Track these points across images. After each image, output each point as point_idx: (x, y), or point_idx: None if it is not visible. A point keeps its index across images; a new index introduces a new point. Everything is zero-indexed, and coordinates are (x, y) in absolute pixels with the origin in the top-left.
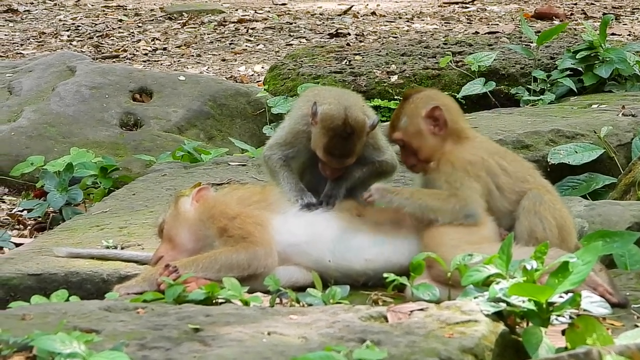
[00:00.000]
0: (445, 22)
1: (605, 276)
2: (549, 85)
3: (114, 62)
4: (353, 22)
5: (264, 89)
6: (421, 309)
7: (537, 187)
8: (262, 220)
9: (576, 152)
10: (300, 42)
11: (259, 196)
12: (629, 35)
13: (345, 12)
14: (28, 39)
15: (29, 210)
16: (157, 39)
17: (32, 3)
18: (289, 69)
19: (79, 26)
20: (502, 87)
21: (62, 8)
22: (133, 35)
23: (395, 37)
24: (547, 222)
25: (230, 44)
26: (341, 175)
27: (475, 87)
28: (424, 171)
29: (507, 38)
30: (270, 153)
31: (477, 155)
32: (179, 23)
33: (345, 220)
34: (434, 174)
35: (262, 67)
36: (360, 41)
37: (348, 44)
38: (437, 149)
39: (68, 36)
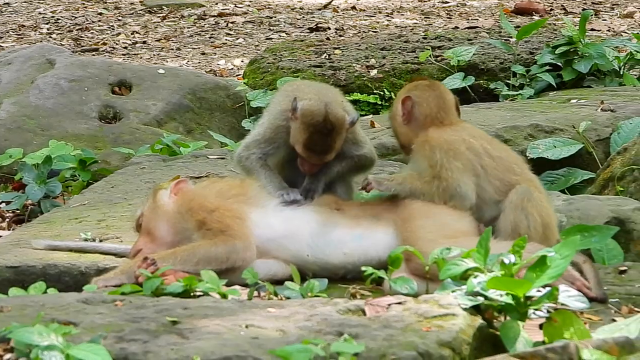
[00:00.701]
0: (425, 17)
1: (589, 268)
2: (528, 80)
3: (93, 55)
4: (333, 17)
5: (244, 83)
6: (399, 303)
7: (525, 180)
8: (241, 213)
9: (555, 147)
10: (280, 36)
11: (237, 189)
12: (608, 30)
13: (325, 7)
14: (7, 32)
15: (7, 203)
16: (136, 33)
17: None
18: (268, 63)
19: (58, 19)
20: (481, 81)
21: (42, 1)
22: (113, 29)
23: (375, 32)
24: (532, 219)
25: (210, 37)
26: (320, 170)
27: (455, 81)
28: (407, 154)
29: (487, 33)
30: (247, 153)
31: (457, 135)
32: (159, 16)
33: (324, 215)
34: (415, 157)
35: (242, 61)
36: (340, 35)
37: (328, 38)
38: (412, 136)
39: (47, 29)
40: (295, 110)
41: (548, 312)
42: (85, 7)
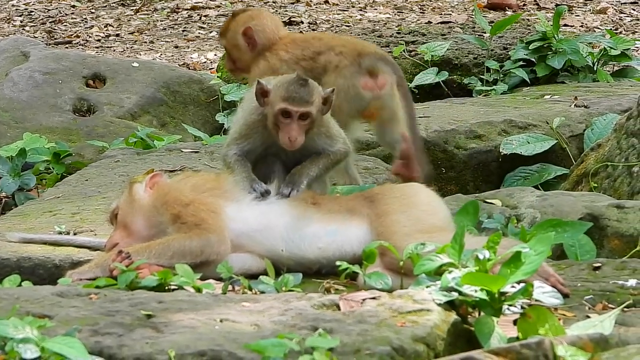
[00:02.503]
0: (398, 12)
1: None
2: (501, 75)
3: (67, 48)
4: (306, 11)
5: (217, 77)
6: (373, 298)
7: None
8: (216, 207)
9: (528, 143)
10: None
11: (212, 183)
12: (582, 26)
13: (298, 0)
14: None
15: None
16: (110, 25)
17: None
18: None
19: (31, 11)
20: (455, 77)
21: None
22: (86, 21)
23: (348, 26)
24: None
25: (183, 31)
26: (300, 169)
27: (428, 76)
28: (240, 75)
29: (461, 28)
30: (227, 150)
31: (292, 54)
32: (132, 9)
33: (299, 209)
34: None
35: (215, 55)
36: (313, 29)
37: (301, 32)
38: (252, 61)
39: (21, 21)
40: (266, 92)
41: (522, 308)
42: (59, 0)
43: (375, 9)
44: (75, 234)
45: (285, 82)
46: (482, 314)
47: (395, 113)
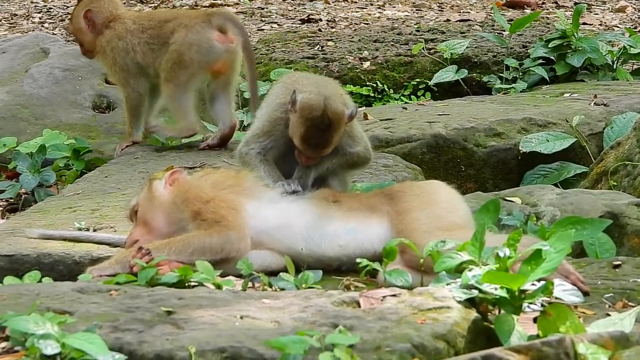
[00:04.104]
0: (416, 10)
1: None
2: (521, 73)
3: None
4: (324, 8)
5: None
6: (394, 295)
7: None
8: (236, 204)
9: (548, 141)
10: (272, 27)
11: (233, 180)
12: (600, 25)
13: None
14: None
15: (1, 192)
16: None
17: None
18: (261, 54)
19: (50, 8)
20: (474, 74)
21: None
22: None
23: (367, 24)
24: None
25: None
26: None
27: (448, 74)
28: (92, 57)
29: (480, 26)
30: (247, 149)
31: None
32: (151, 6)
33: (319, 207)
34: (101, 61)
35: None
36: (332, 27)
37: (320, 30)
38: (95, 40)
39: (40, 18)
40: (294, 103)
41: (542, 306)
42: None
43: (394, 7)
44: (95, 230)
45: (309, 118)
46: (502, 311)
47: (236, 73)
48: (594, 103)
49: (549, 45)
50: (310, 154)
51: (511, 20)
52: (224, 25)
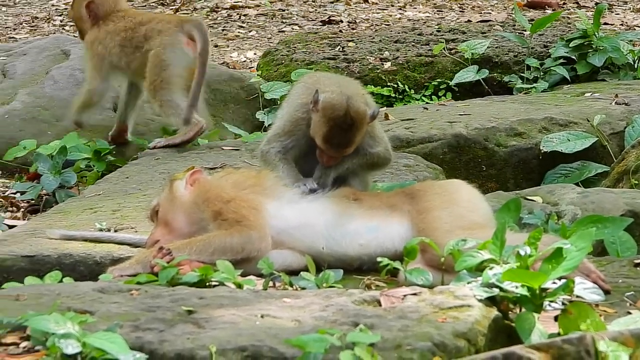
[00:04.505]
0: (437, 10)
1: None
2: (542, 73)
3: None
4: (345, 9)
5: (257, 75)
6: (414, 294)
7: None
8: (257, 204)
9: (569, 140)
10: (293, 28)
11: (254, 180)
12: (622, 24)
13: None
14: (21, 24)
15: (22, 193)
16: None
17: None
18: (282, 55)
19: None
20: (495, 74)
21: None
22: None
23: (387, 25)
24: None
25: (222, 30)
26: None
27: (469, 74)
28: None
29: (500, 26)
30: (268, 147)
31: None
32: (172, 9)
33: (340, 206)
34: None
35: (255, 54)
36: (353, 28)
37: (341, 31)
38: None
39: (60, 21)
40: (316, 102)
41: (563, 304)
42: None
43: (415, 8)
44: (115, 231)
45: (331, 117)
46: (523, 310)
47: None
48: (615, 102)
49: (570, 45)
50: (332, 154)
51: (532, 20)
52: (192, 33)
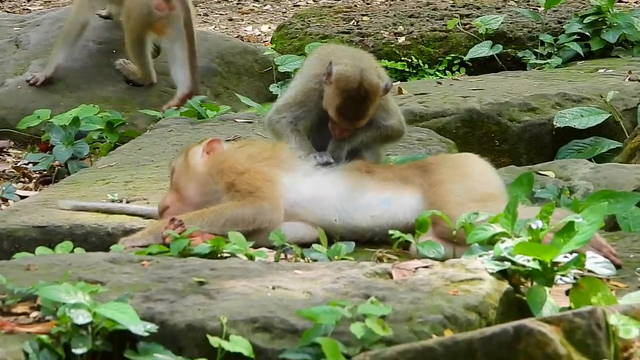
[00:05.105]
0: None
1: None
2: (556, 49)
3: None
4: None
5: (272, 48)
6: (426, 267)
7: None
8: (272, 176)
9: (582, 116)
10: (307, 2)
11: (269, 153)
12: (636, 2)
13: None
14: None
15: (35, 164)
16: None
17: None
18: (296, 29)
19: None
20: (509, 50)
21: None
22: None
23: None
24: None
25: (237, 3)
26: (347, 137)
27: (483, 49)
28: None
29: (515, 2)
30: (278, 117)
31: None
32: None
33: (352, 179)
34: None
35: (269, 28)
36: (367, 3)
37: (355, 5)
38: None
39: None
40: (330, 74)
41: (575, 278)
42: None
43: None
44: (128, 202)
45: (345, 89)
46: (534, 283)
47: (187, 41)
48: (629, 79)
49: (584, 21)
50: (345, 126)
51: None
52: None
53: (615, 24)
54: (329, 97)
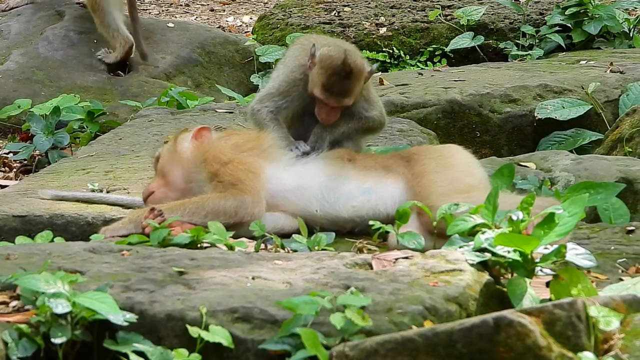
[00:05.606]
0: None
1: None
2: (537, 40)
3: None
4: None
5: (253, 38)
6: (406, 257)
7: None
8: (255, 167)
9: (563, 108)
10: None
11: (254, 143)
12: None
13: None
14: None
15: (15, 153)
16: None
17: None
18: (278, 19)
19: None
20: (490, 41)
21: None
22: None
23: None
24: None
25: None
26: (327, 128)
27: (464, 40)
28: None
29: None
30: (260, 106)
31: None
32: None
33: (334, 167)
34: None
35: (251, 18)
36: None
37: None
38: None
39: None
40: (314, 55)
41: (554, 270)
42: None
43: None
44: (108, 191)
45: (330, 67)
46: (514, 275)
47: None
48: (610, 70)
49: (566, 13)
50: (332, 103)
51: None
52: None
53: (597, 16)
54: (314, 77)
